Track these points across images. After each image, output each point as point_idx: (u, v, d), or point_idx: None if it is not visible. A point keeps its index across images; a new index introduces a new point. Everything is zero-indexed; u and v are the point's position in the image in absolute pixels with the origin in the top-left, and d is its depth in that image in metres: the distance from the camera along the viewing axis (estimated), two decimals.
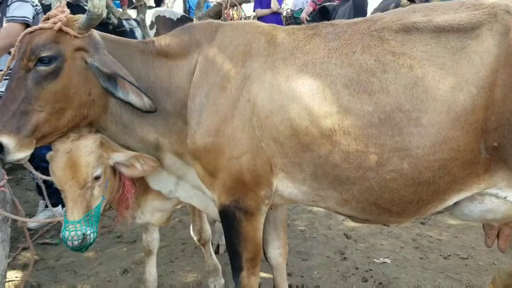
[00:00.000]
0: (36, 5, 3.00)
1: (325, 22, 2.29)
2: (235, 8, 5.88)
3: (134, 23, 5.16)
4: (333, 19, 4.77)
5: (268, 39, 2.22)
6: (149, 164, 2.30)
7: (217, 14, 5.73)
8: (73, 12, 2.20)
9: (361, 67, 2.01)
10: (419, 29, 1.99)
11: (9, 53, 2.90)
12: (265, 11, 7.81)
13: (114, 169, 2.32)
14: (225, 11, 5.63)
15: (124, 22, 5.07)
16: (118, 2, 6.58)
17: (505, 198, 2.07)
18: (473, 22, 1.93)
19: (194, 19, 5.82)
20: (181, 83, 2.28)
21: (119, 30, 4.91)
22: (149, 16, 6.04)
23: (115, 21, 5.03)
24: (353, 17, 4.31)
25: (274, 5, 7.77)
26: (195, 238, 3.15)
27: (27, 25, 2.82)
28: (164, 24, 6.13)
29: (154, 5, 8.50)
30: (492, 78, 1.88)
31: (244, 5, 6.62)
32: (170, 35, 2.36)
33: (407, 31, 2.01)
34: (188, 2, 8.52)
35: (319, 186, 2.16)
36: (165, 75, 2.29)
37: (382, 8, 3.81)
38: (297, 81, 2.08)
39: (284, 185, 2.24)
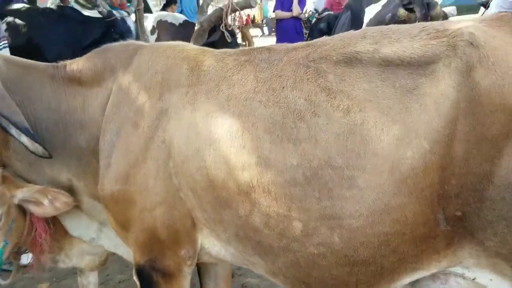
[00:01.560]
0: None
1: (263, 46, 1.87)
2: (237, 12, 5.50)
3: (125, 13, 4.91)
4: (335, 28, 4.38)
5: (191, 66, 1.84)
6: (61, 200, 1.97)
7: (219, 19, 5.39)
8: None
9: (288, 107, 1.59)
10: (362, 61, 1.54)
11: None
12: (285, 14, 7.39)
13: (23, 209, 2.03)
14: (227, 17, 5.28)
15: (114, 12, 4.83)
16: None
17: (473, 279, 1.60)
18: (427, 55, 1.46)
19: (196, 24, 5.56)
20: (95, 115, 1.95)
21: (109, 19, 4.71)
22: (151, 21, 5.82)
23: (105, 10, 4.80)
24: (351, 28, 3.90)
25: (295, 9, 7.30)
26: None
27: None
28: (166, 29, 5.88)
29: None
30: (450, 129, 1.42)
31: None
32: (85, 58, 2.05)
33: (348, 63, 1.57)
34: (180, 4, 8.19)
35: (244, 250, 1.77)
36: (78, 105, 1.98)
37: (377, 19, 3.34)
38: (216, 120, 1.69)
39: (211, 243, 1.87)
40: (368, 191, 1.48)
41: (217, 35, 5.35)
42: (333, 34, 4.51)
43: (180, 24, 6.04)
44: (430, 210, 1.47)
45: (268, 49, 1.82)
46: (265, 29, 17.97)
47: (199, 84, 1.79)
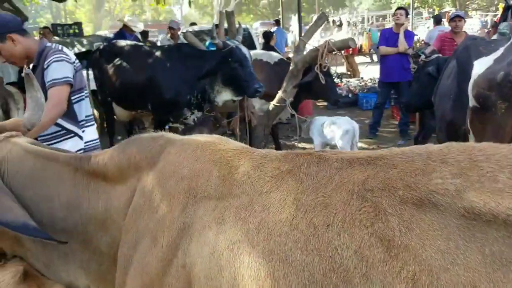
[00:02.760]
0: (74, 62, 2.83)
1: (314, 152, 1.48)
2: (335, 53, 5.24)
3: (236, 42, 4.93)
4: (441, 76, 3.87)
5: (223, 173, 1.51)
6: None
7: (314, 60, 5.19)
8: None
9: (331, 260, 1.20)
10: (438, 206, 1.11)
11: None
12: (390, 50, 6.86)
13: None
14: (322, 58, 5.05)
15: (228, 42, 4.90)
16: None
17: None
18: None
19: (291, 64, 5.41)
20: (118, 218, 1.69)
21: (225, 49, 4.74)
22: None
23: (220, 42, 4.85)
24: (457, 80, 3.38)
25: (401, 45, 6.76)
26: None
27: (70, 85, 2.71)
28: (261, 68, 5.81)
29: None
30: None
31: None
32: (111, 151, 1.79)
33: (419, 205, 1.14)
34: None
35: None
36: (101, 203, 1.73)
37: (487, 77, 2.81)
38: (242, 256, 1.35)
39: None
40: None
41: (312, 76, 5.17)
42: (439, 82, 4.09)
43: (275, 62, 5.92)
44: None
45: (319, 158, 1.42)
46: (374, 56, 17.32)
47: (229, 198, 1.46)
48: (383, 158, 1.32)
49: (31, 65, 2.79)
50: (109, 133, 6.13)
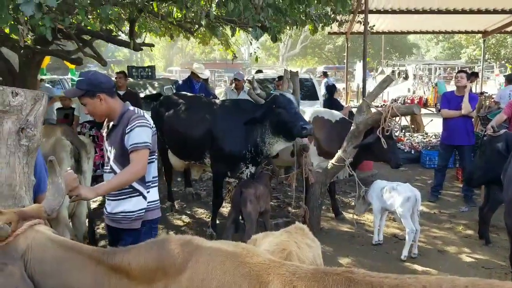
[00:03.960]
0: (153, 127, 3.00)
1: (343, 272, 1.48)
2: (397, 119, 5.18)
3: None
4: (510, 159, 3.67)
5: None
6: None
7: (377, 122, 5.15)
8: None
9: None
10: None
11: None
12: (453, 113, 6.59)
13: None
14: (384, 122, 5.02)
15: (273, 91, 5.10)
16: None
17: None
18: None
19: (353, 124, 5.39)
20: None
21: (268, 98, 4.92)
22: (307, 116, 5.86)
23: (263, 92, 5.05)
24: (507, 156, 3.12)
25: (465, 108, 6.46)
26: None
27: (149, 150, 2.87)
28: (322, 125, 5.86)
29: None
30: None
31: None
32: (138, 249, 1.81)
33: None
34: None
35: None
36: None
37: None
38: None
39: None
40: None
41: (373, 138, 5.11)
42: (510, 161, 3.86)
43: (336, 121, 5.94)
44: None
45: (348, 280, 1.44)
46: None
47: None
48: (410, 286, 1.35)
49: (111, 123, 2.98)
50: (167, 180, 6.42)
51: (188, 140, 5.36)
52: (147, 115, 3.02)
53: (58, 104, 8.11)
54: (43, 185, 2.43)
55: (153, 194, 3.01)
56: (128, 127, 2.86)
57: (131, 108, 2.98)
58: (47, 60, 12.60)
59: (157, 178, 3.09)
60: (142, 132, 2.84)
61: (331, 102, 8.60)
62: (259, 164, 5.24)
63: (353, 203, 6.55)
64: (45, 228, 1.83)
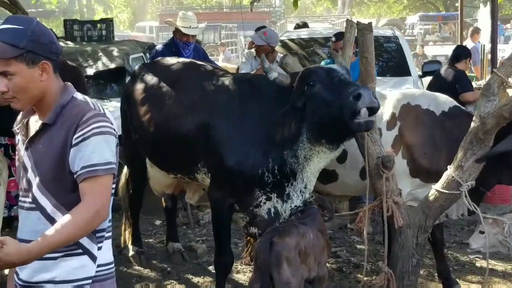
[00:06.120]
0: (116, 132, 2.44)
1: None
2: None
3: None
4: None
5: None
6: None
7: None
8: None
9: None
10: None
11: None
12: None
13: None
14: None
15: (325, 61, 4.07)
16: None
17: None
18: None
19: (474, 119, 3.53)
20: None
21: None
22: (389, 103, 3.99)
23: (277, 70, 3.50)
24: None
25: None
26: None
27: (113, 175, 2.21)
28: (418, 120, 4.19)
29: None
30: None
31: None
32: None
33: None
34: None
35: None
36: None
37: None
38: None
39: None
40: None
41: None
42: None
43: (443, 112, 4.01)
44: None
45: None
46: None
47: None
48: None
49: (37, 120, 2.12)
50: (134, 204, 4.47)
51: (172, 139, 3.77)
52: (108, 112, 2.14)
53: None
54: None
55: (106, 252, 2.23)
56: (78, 133, 2.07)
57: (79, 96, 2.13)
58: None
59: (111, 223, 2.27)
60: (103, 144, 2.06)
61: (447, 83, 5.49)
62: (288, 194, 3.51)
63: (478, 264, 4.57)
64: None
